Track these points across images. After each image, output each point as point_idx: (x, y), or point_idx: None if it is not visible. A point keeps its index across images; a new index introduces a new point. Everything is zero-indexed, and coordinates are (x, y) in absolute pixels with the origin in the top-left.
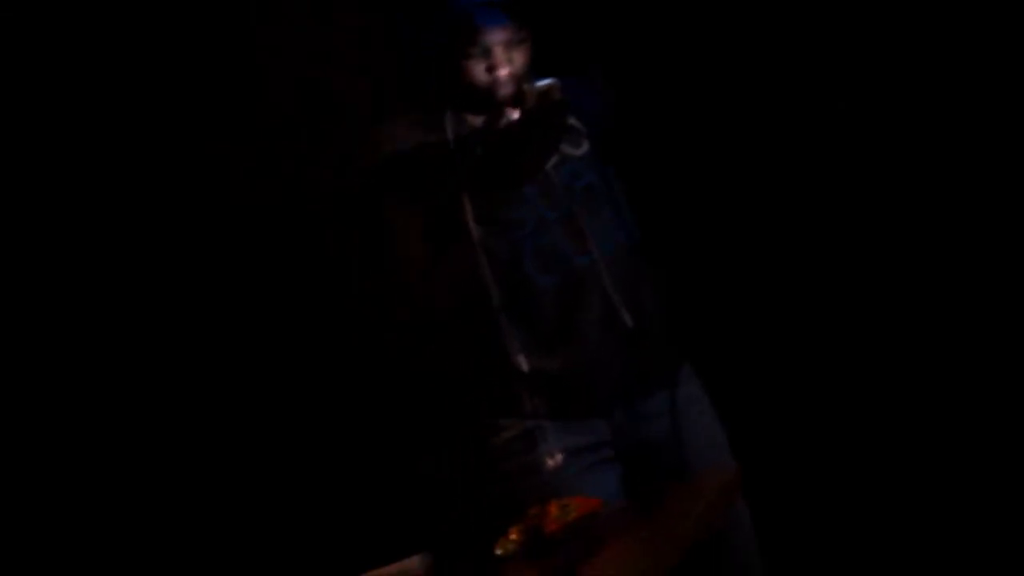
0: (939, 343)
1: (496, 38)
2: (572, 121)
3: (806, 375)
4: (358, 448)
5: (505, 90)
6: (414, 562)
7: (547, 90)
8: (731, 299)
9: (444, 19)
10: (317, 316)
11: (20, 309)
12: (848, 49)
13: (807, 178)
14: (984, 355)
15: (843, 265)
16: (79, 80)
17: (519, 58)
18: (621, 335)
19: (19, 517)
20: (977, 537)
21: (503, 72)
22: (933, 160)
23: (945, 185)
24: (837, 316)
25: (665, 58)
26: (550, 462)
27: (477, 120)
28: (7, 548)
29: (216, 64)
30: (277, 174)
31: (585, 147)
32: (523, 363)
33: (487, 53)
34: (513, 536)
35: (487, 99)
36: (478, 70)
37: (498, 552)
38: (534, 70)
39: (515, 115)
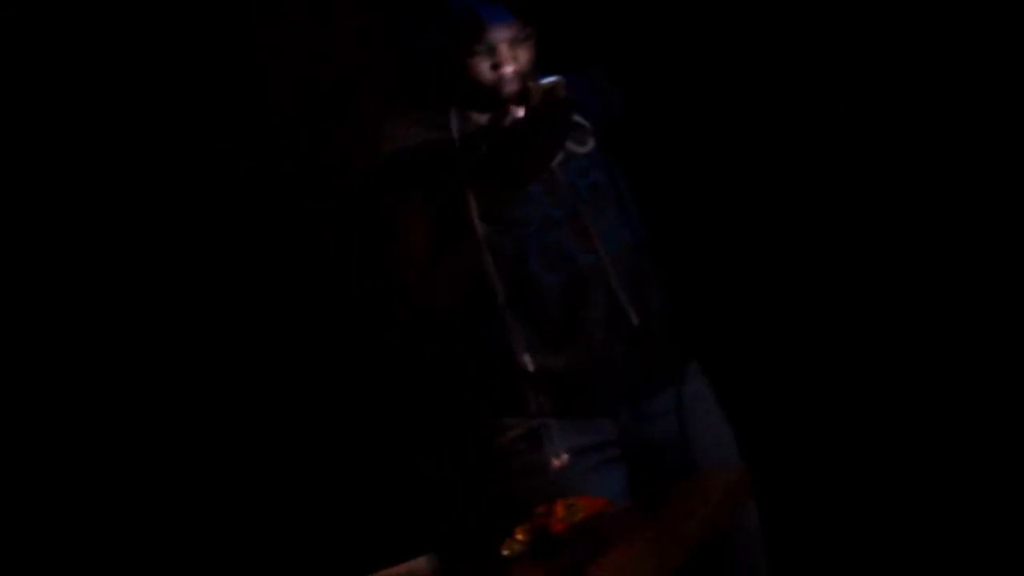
0: (944, 341)
1: (501, 35)
2: (577, 118)
3: (813, 373)
4: (358, 448)
5: (510, 87)
6: (421, 563)
7: (552, 87)
8: (737, 297)
9: (448, 17)
10: (317, 316)
11: (20, 309)
12: (848, 49)
13: (809, 177)
14: (987, 352)
15: (845, 264)
16: (79, 80)
17: (524, 55)
18: (626, 333)
19: (19, 517)
20: (987, 538)
21: (508, 69)
22: (933, 160)
23: (945, 185)
24: (843, 314)
25: (668, 55)
26: (556, 462)
27: (482, 118)
28: (7, 548)
29: (216, 64)
30: (277, 174)
31: (590, 144)
32: (528, 362)
33: (492, 50)
34: (519, 536)
35: (492, 97)
36: (483, 67)
37: (504, 552)
38: (539, 67)
39: (520, 113)
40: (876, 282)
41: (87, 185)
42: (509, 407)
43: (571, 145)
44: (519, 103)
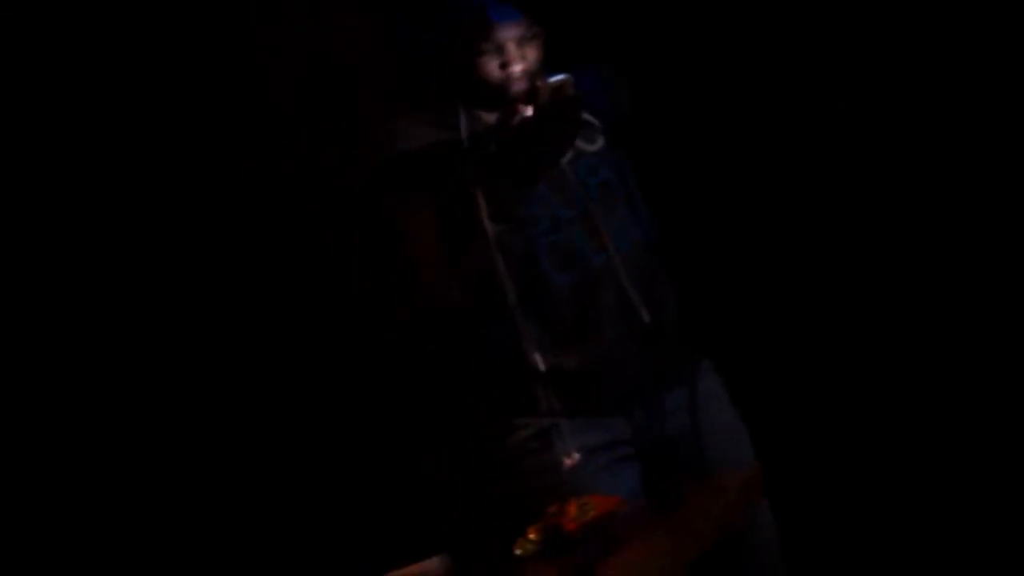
0: (952, 339)
1: (509, 34)
2: (586, 116)
3: (826, 370)
4: (359, 448)
5: (518, 86)
6: (433, 563)
7: (560, 86)
8: (748, 294)
9: (456, 16)
10: (317, 316)
11: (20, 309)
12: (848, 49)
13: (816, 175)
14: (992, 349)
15: (854, 262)
16: (79, 80)
17: (532, 54)
18: (638, 332)
19: (19, 517)
20: (1000, 538)
21: (516, 68)
22: (934, 160)
23: (946, 185)
24: (853, 312)
25: (674, 53)
26: (568, 461)
27: (490, 117)
28: (7, 548)
29: (216, 64)
30: (277, 174)
31: (600, 143)
32: (539, 361)
33: (500, 49)
34: (532, 536)
35: (500, 95)
36: (491, 66)
37: (517, 552)
38: (547, 66)
39: (529, 111)
40: (882, 280)
41: (87, 185)
42: (521, 407)
43: (580, 143)
44: (528, 102)
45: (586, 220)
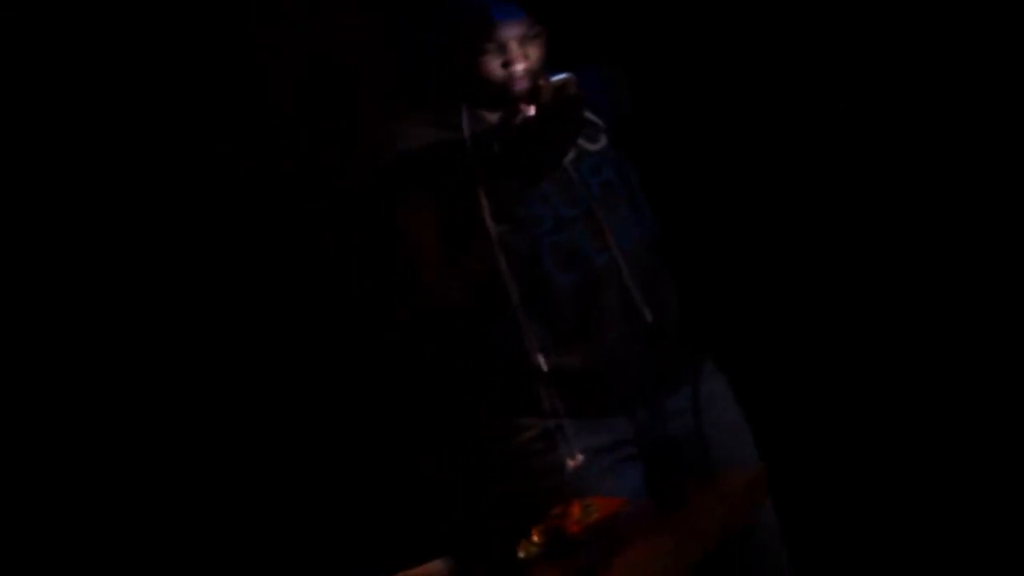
0: (955, 339)
1: (511, 33)
2: (589, 116)
3: (829, 370)
4: (359, 448)
5: (521, 85)
6: (436, 565)
7: (563, 85)
8: (751, 294)
9: (458, 14)
10: (317, 316)
11: (20, 309)
12: (848, 49)
13: (819, 175)
14: (995, 352)
15: (857, 262)
16: (79, 80)
17: (534, 53)
18: (641, 332)
19: (19, 517)
20: (1004, 539)
21: (519, 67)
22: (935, 160)
23: (947, 185)
24: (856, 311)
25: (676, 52)
26: (571, 462)
27: (493, 116)
28: (7, 548)
29: (216, 64)
30: (277, 174)
31: (603, 142)
32: (542, 362)
33: (502, 48)
34: (535, 538)
35: (503, 95)
36: (493, 65)
37: (521, 554)
38: (549, 65)
39: (531, 111)
40: (884, 280)
41: (87, 185)
42: (524, 407)
43: (583, 143)
44: (530, 101)
45: (589, 220)
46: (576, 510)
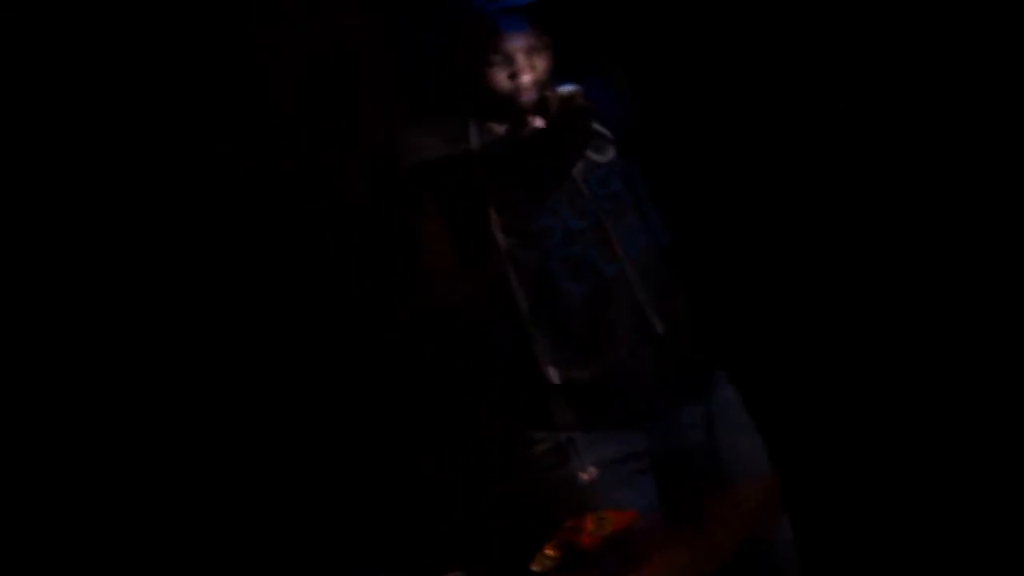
0: (972, 348)
1: (518, 44)
2: (597, 127)
3: (842, 380)
4: (359, 448)
5: (528, 97)
6: None
7: (570, 96)
8: (763, 304)
9: (464, 26)
10: (317, 316)
11: (20, 309)
12: (848, 49)
13: (832, 180)
14: (1009, 357)
15: (867, 267)
16: (79, 80)
17: (541, 64)
18: (652, 343)
19: (19, 517)
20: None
21: (525, 79)
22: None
23: (950, 185)
24: (866, 319)
25: (680, 61)
26: (584, 475)
27: (501, 128)
28: (7, 548)
29: (216, 64)
30: (277, 174)
31: (611, 153)
32: (553, 375)
33: (509, 60)
34: (549, 551)
35: (510, 107)
36: (500, 77)
37: (535, 569)
38: (556, 76)
39: (539, 122)
40: (893, 285)
41: (87, 185)
42: (535, 420)
43: (591, 154)
44: (537, 113)
45: (598, 231)
46: (590, 523)
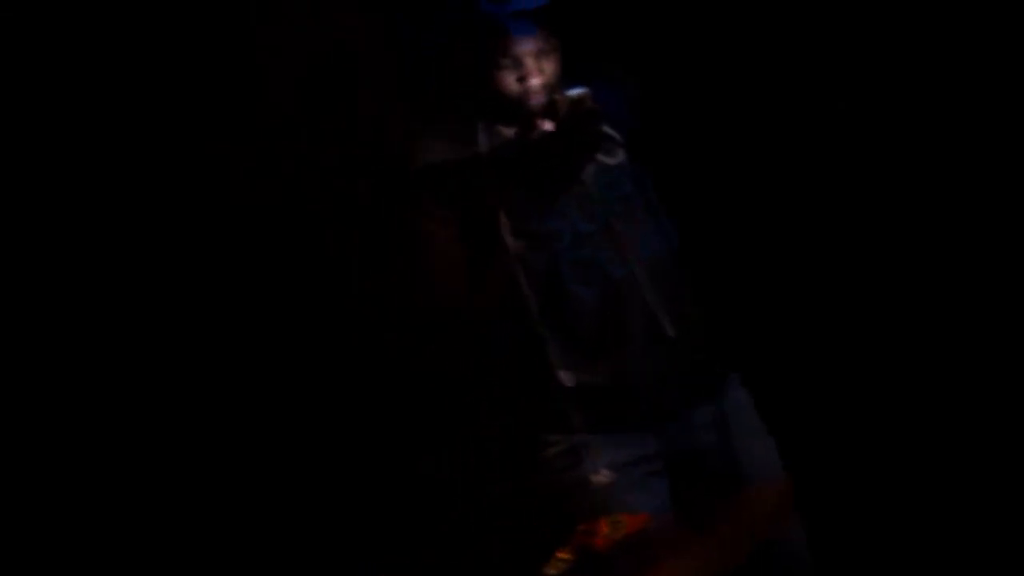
0: (982, 352)
1: (526, 48)
2: (606, 130)
3: (855, 382)
4: (358, 448)
5: (537, 100)
6: None
7: (579, 99)
8: (774, 306)
9: (472, 29)
10: (317, 316)
11: (19, 309)
12: (849, 49)
13: (845, 181)
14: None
15: (878, 269)
16: (79, 80)
17: (550, 67)
18: (663, 345)
19: (19, 517)
20: None
21: (534, 82)
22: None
23: (952, 185)
24: (879, 320)
25: (689, 63)
26: (597, 478)
27: (509, 132)
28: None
29: (216, 64)
30: (277, 174)
31: (620, 156)
32: (566, 378)
33: (517, 63)
34: (563, 555)
35: (519, 110)
36: (509, 80)
37: (549, 572)
38: (565, 79)
39: (548, 126)
40: (907, 288)
41: (87, 185)
42: (548, 423)
43: (601, 157)
44: (546, 116)
45: (608, 234)
46: (603, 526)
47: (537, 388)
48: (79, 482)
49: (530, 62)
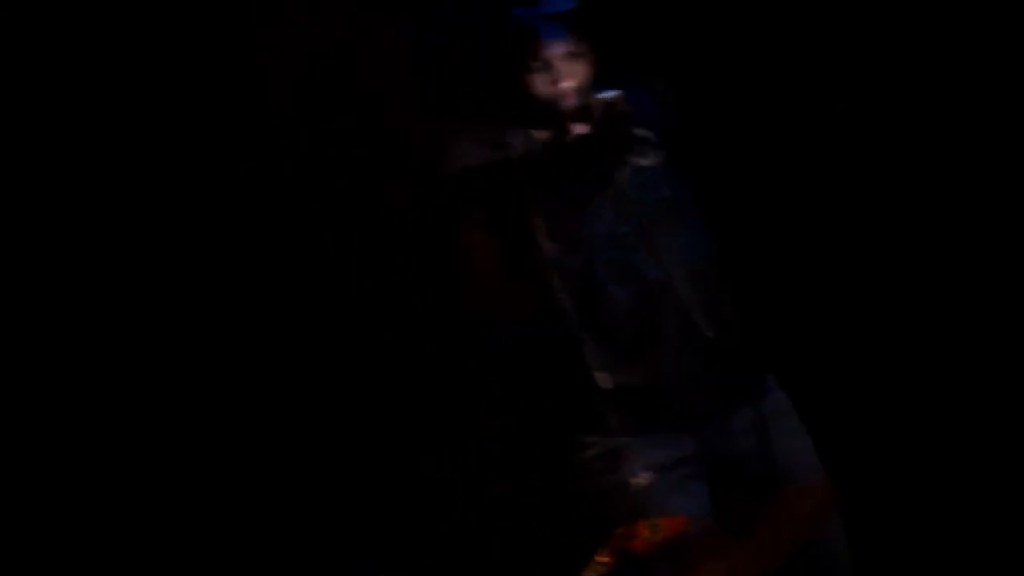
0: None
1: (558, 51)
2: (641, 132)
3: (893, 384)
4: (358, 448)
5: (569, 103)
6: None
7: (613, 102)
8: (812, 307)
9: (504, 33)
10: (317, 316)
11: (19, 309)
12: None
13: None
14: None
15: (908, 271)
16: (79, 80)
17: (582, 71)
18: (701, 347)
19: (19, 517)
20: None
21: (567, 85)
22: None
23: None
24: (915, 323)
25: (718, 64)
26: (636, 480)
27: (543, 135)
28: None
29: (216, 64)
30: (277, 174)
31: (656, 158)
32: (604, 379)
33: (549, 66)
34: (601, 558)
35: (552, 113)
36: (541, 84)
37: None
38: (598, 82)
39: (581, 129)
40: (936, 289)
41: (87, 185)
42: (587, 425)
43: (636, 159)
44: (580, 119)
45: (643, 235)
46: (642, 529)
47: (574, 390)
48: (79, 482)
49: (562, 65)
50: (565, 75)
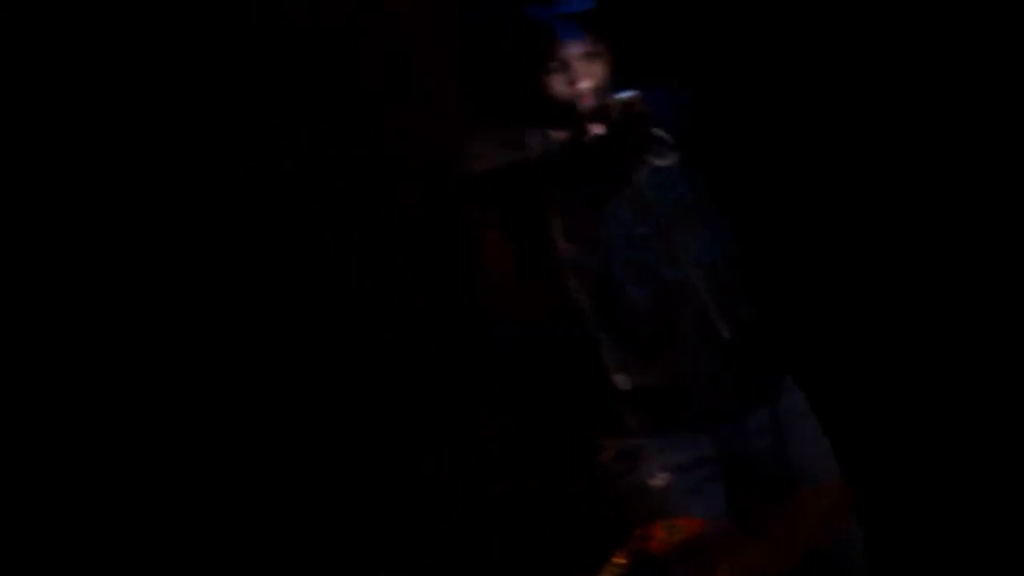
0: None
1: (574, 51)
2: (658, 132)
3: (912, 387)
4: (358, 448)
5: (587, 104)
6: None
7: (630, 102)
8: (829, 308)
9: (520, 33)
10: (317, 316)
11: (19, 309)
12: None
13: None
14: None
15: (928, 275)
16: (79, 80)
17: (599, 71)
18: (718, 348)
19: (19, 517)
20: None
21: (584, 85)
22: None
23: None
24: (932, 325)
25: (737, 63)
26: (653, 481)
27: (560, 135)
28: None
29: (216, 64)
30: (277, 174)
31: (673, 158)
32: (621, 380)
33: (566, 67)
34: (618, 559)
35: (569, 113)
36: (558, 84)
37: None
38: (615, 82)
39: (598, 129)
40: (954, 290)
41: (87, 185)
42: (604, 426)
43: (653, 159)
44: (597, 119)
45: (661, 235)
46: (660, 530)
47: (592, 391)
48: (79, 482)
49: (579, 65)
50: (582, 75)
